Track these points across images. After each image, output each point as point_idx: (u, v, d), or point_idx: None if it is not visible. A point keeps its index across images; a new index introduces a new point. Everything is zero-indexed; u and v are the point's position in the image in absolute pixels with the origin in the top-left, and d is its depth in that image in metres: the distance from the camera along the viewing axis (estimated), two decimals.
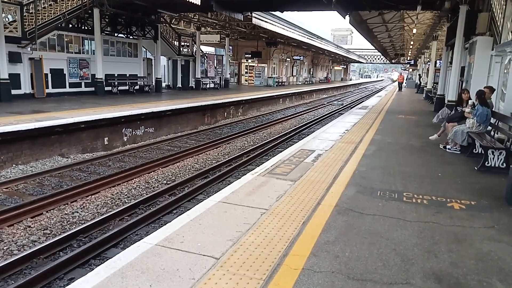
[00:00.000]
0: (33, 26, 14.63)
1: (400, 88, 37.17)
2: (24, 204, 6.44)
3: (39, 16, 15.44)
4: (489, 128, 7.79)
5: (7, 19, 14.54)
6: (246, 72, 37.47)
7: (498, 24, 10.27)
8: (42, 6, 16.39)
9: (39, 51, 15.42)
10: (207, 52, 32.06)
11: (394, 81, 78.82)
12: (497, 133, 7.85)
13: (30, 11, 15.52)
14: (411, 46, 36.84)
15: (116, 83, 19.16)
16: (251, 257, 3.07)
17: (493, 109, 8.17)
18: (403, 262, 3.10)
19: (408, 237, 3.59)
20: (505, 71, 9.29)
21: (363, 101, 26.68)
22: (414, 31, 23.19)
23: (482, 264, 3.14)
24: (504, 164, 6.26)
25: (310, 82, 51.29)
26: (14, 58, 14.16)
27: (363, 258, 3.14)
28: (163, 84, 25.24)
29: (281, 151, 8.35)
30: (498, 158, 6.30)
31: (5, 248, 5.23)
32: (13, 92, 14.04)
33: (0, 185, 7.55)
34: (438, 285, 2.79)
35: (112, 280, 2.69)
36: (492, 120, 7.62)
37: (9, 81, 13.68)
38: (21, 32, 14.42)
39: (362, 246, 3.35)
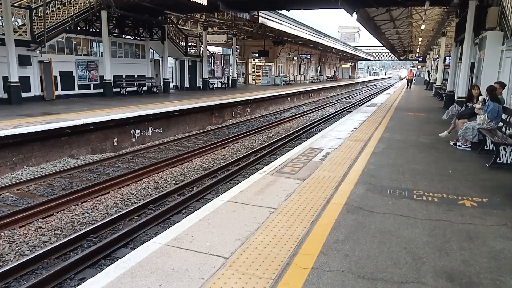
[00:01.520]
0: (42, 29, 14.80)
1: (409, 85, 35.72)
2: (35, 205, 6.52)
3: (48, 19, 15.61)
4: (501, 124, 7.68)
5: (16, 23, 14.72)
6: (253, 72, 37.45)
7: (509, 18, 10.11)
8: (51, 10, 16.56)
9: (48, 54, 15.57)
10: (214, 52, 32.09)
11: (402, 79, 77.49)
12: (509, 129, 7.73)
13: (39, 15, 15.69)
14: (419, 43, 36.47)
15: (124, 84, 19.29)
16: (260, 257, 3.06)
17: (505, 105, 8.05)
18: (414, 260, 3.07)
19: (419, 235, 3.55)
20: None
21: (371, 99, 26.51)
22: (423, 27, 22.95)
23: (495, 262, 3.09)
24: None
25: (318, 80, 51.07)
26: (24, 61, 14.34)
27: (373, 257, 3.11)
28: (171, 85, 25.33)
29: (289, 150, 8.32)
30: (510, 155, 6.20)
31: (17, 248, 5.30)
32: (23, 94, 14.22)
33: (12, 187, 7.64)
34: (450, 284, 2.75)
35: (122, 280, 2.70)
36: (504, 116, 7.52)
37: (19, 84, 13.84)
38: (30, 35, 14.60)
39: (372, 245, 3.32)
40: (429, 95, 25.92)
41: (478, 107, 7.70)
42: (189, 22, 26.86)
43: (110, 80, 17.99)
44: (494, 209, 4.30)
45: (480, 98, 7.97)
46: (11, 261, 4.92)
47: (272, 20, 25.22)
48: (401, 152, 7.30)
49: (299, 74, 46.01)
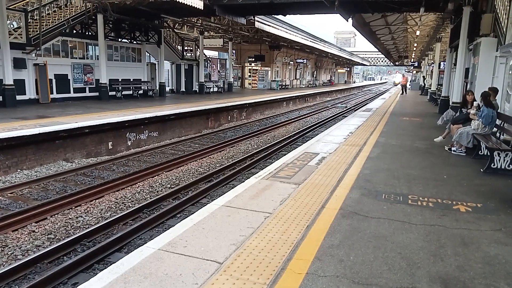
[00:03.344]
0: (38, 32, 14.75)
1: (403, 91, 34.84)
2: (28, 209, 6.46)
3: (44, 22, 15.55)
4: (495, 129, 7.73)
5: (12, 26, 14.67)
6: (250, 76, 37.55)
7: (502, 25, 10.21)
8: (47, 13, 16.54)
9: (43, 57, 15.53)
10: (210, 56, 32.15)
11: (396, 84, 77.33)
12: (503, 135, 7.79)
13: (35, 18, 15.65)
14: (414, 48, 36.72)
15: (120, 88, 19.25)
16: (255, 262, 3.04)
17: (499, 111, 8.10)
18: (408, 266, 3.06)
19: (414, 240, 3.55)
20: (510, 72, 9.23)
21: (367, 104, 26.62)
22: (418, 33, 23.14)
23: (489, 267, 3.09)
24: (510, 165, 6.20)
25: (314, 85, 51.26)
26: (19, 64, 14.26)
27: (368, 262, 3.11)
28: (167, 89, 25.34)
29: (285, 154, 8.32)
30: (504, 160, 6.23)
31: (9, 253, 5.24)
32: (18, 97, 14.14)
33: (5, 190, 7.58)
34: None
35: (115, 285, 2.67)
36: (498, 122, 7.56)
37: (14, 86, 13.77)
38: (26, 38, 14.55)
39: (367, 250, 3.32)
40: (424, 100, 26.07)
41: (472, 112, 7.75)
42: (185, 26, 26.88)
43: (105, 83, 17.95)
44: (488, 214, 4.32)
45: (475, 103, 8.02)
46: (4, 266, 4.87)
47: (268, 25, 25.33)
48: (396, 157, 7.32)
49: (295, 78, 46.16)
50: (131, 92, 20.01)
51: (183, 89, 25.89)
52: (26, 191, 7.74)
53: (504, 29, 9.94)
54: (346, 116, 17.99)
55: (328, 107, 29.84)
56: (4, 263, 4.97)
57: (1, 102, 13.53)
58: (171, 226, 4.04)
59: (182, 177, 9.19)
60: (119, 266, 2.95)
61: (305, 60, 45.94)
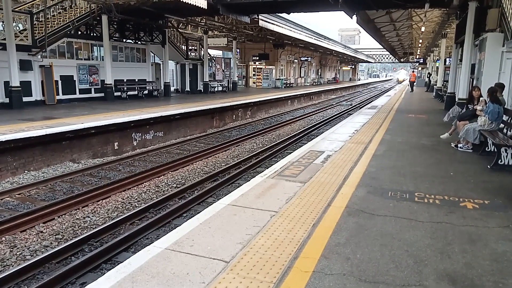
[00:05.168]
0: (43, 34, 14.84)
1: (411, 88, 33.90)
2: (36, 210, 6.51)
3: (49, 24, 15.66)
4: (502, 125, 7.66)
5: (17, 28, 14.77)
6: (254, 75, 37.50)
7: (509, 20, 10.11)
8: (52, 14, 16.64)
9: (49, 58, 15.62)
10: (215, 56, 32.16)
11: (400, 82, 75.98)
12: (510, 131, 7.71)
13: (40, 20, 15.74)
14: (419, 45, 36.44)
15: (125, 88, 19.33)
16: (261, 260, 3.05)
17: (505, 106, 8.03)
18: (416, 263, 3.05)
19: (421, 238, 3.53)
20: None
21: (372, 101, 26.49)
22: (423, 29, 22.95)
23: (497, 264, 3.07)
24: None
25: (318, 83, 51.11)
26: (25, 66, 14.37)
27: (374, 260, 3.10)
28: (172, 88, 25.38)
29: (290, 153, 8.31)
30: (511, 156, 6.18)
31: (18, 253, 5.30)
32: (25, 99, 14.24)
33: (13, 191, 7.64)
34: (452, 287, 2.74)
35: (123, 284, 2.69)
36: (505, 118, 7.49)
37: (20, 88, 13.86)
38: (32, 40, 14.65)
39: (374, 248, 3.31)
40: (429, 97, 25.90)
41: (479, 108, 7.69)
42: (189, 25, 26.93)
43: (111, 84, 18.03)
44: (496, 211, 4.29)
45: (481, 99, 7.96)
46: (13, 266, 4.92)
47: (272, 23, 25.27)
48: (402, 154, 7.28)
49: (300, 76, 46.04)
50: (136, 92, 20.08)
51: (188, 88, 25.94)
52: (33, 192, 7.81)
53: (511, 24, 9.85)
54: (351, 114, 17.93)
55: (333, 105, 29.74)
56: (13, 264, 5.02)
57: (8, 103, 13.66)
58: (178, 226, 4.05)
59: (188, 176, 9.22)
60: (127, 265, 2.97)
61: (309, 58, 45.80)
